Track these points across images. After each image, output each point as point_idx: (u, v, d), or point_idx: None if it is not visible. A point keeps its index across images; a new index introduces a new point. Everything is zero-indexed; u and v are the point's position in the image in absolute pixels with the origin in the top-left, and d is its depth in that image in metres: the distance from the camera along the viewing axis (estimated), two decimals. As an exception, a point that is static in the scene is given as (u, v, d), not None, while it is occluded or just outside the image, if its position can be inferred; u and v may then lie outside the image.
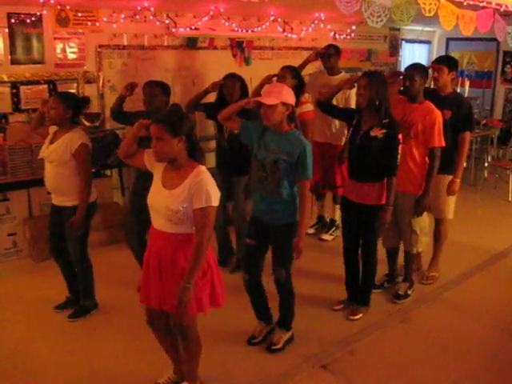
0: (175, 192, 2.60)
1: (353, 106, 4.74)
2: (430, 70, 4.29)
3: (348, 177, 3.86)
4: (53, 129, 3.69)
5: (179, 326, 2.81)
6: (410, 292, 4.27)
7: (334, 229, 5.51)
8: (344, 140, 5.00)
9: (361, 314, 3.93)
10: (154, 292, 2.74)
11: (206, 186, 2.57)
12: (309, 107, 4.61)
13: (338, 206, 5.29)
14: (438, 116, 3.85)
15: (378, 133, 3.56)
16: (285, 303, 3.50)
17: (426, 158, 3.92)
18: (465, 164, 4.64)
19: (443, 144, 3.88)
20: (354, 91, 4.39)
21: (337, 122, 5.00)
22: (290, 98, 3.14)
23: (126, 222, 4.40)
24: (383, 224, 3.68)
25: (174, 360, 3.03)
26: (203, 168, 2.64)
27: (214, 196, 2.59)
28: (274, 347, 3.46)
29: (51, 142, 3.62)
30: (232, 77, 4.39)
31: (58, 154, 3.55)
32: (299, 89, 4.51)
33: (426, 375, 3.32)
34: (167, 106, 4.13)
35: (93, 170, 3.82)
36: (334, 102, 4.36)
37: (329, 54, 5.09)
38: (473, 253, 5.16)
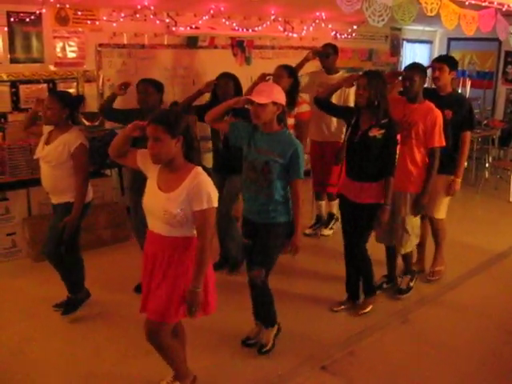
0: (173, 195, 2.54)
1: (351, 105, 4.71)
2: (430, 70, 4.28)
3: (345, 175, 3.84)
4: (47, 128, 3.64)
5: (154, 334, 2.69)
6: (412, 284, 4.28)
7: (333, 221, 5.49)
8: (343, 138, 4.98)
9: (370, 306, 3.94)
10: (143, 295, 2.71)
11: (205, 188, 2.52)
12: (306, 108, 4.58)
13: (334, 202, 5.27)
14: (439, 115, 3.84)
15: (376, 133, 3.55)
16: (264, 304, 3.44)
17: (426, 158, 3.91)
18: (465, 164, 4.62)
19: (443, 143, 3.88)
20: (353, 90, 4.36)
21: (334, 120, 4.98)
22: (281, 98, 3.11)
23: (131, 220, 4.38)
24: (381, 223, 3.68)
25: None
26: (200, 169, 2.58)
27: (214, 197, 2.55)
28: (265, 349, 3.43)
29: (47, 143, 3.58)
30: (225, 76, 4.34)
31: (55, 154, 3.51)
32: (295, 88, 4.49)
33: (427, 376, 3.30)
34: (161, 103, 4.11)
35: (91, 170, 3.79)
36: (333, 101, 4.34)
37: (327, 54, 5.08)
38: (473, 253, 5.15)
